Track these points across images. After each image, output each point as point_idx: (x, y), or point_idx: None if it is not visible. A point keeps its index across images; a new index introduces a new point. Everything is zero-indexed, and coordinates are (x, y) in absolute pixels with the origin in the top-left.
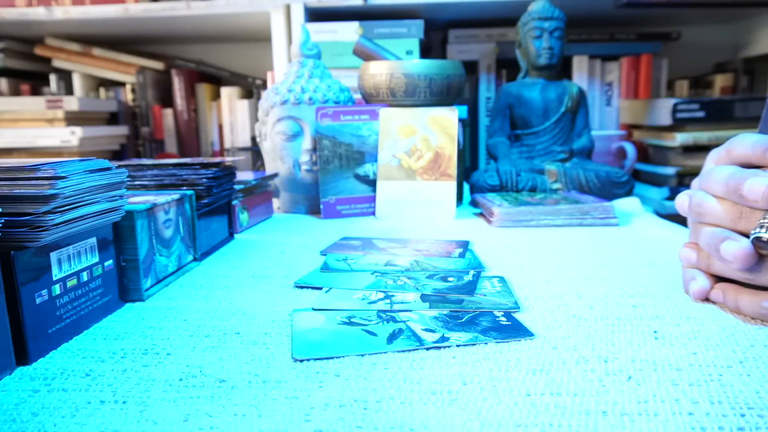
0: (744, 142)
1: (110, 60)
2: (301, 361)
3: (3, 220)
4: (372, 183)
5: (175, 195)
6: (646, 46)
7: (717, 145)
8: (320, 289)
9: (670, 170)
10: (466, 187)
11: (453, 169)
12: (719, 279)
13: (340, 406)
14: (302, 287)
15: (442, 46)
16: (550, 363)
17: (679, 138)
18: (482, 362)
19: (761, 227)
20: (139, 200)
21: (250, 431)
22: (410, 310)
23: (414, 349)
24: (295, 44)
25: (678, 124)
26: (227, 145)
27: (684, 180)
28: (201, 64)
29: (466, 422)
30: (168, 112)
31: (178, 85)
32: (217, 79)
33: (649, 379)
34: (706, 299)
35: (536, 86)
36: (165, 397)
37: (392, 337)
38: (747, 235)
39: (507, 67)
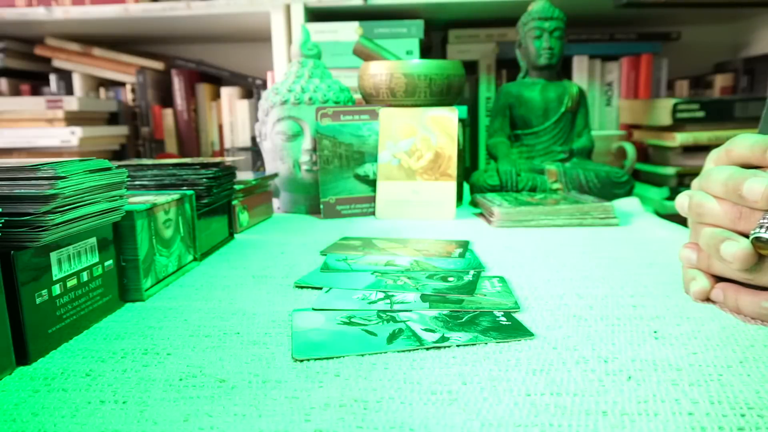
0: (743, 143)
1: (110, 60)
2: (301, 361)
3: (3, 220)
4: (372, 183)
5: (175, 195)
6: (646, 46)
7: (717, 145)
8: (320, 289)
9: (670, 170)
10: (466, 187)
11: (453, 169)
12: (719, 279)
13: (340, 406)
14: (302, 287)
15: (442, 46)
16: (550, 363)
17: (679, 138)
18: (482, 362)
19: (761, 227)
20: (139, 200)
21: (250, 431)
22: (410, 310)
23: (414, 349)
24: (295, 44)
25: (678, 124)
26: (227, 145)
27: (684, 180)
28: (201, 64)
29: (466, 422)
30: (168, 112)
31: (178, 85)
32: (217, 79)
33: (649, 379)
34: (707, 299)
35: (536, 86)
36: (165, 397)
37: (392, 337)
38: (747, 236)
39: (507, 67)
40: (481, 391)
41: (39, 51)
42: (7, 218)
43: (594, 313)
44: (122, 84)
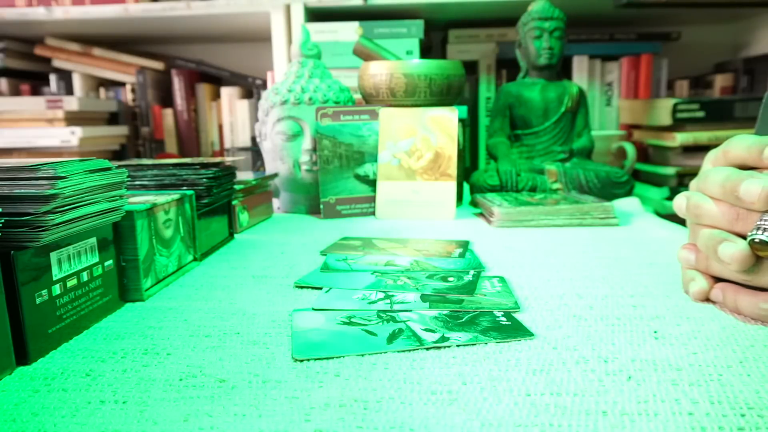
0: (740, 144)
1: (110, 60)
2: (301, 361)
3: (3, 220)
4: (372, 183)
5: (175, 195)
6: (646, 46)
7: (717, 146)
8: (320, 289)
9: (670, 170)
10: (466, 187)
11: (453, 169)
12: (719, 279)
13: (340, 406)
14: (302, 287)
15: (442, 46)
16: (550, 363)
17: (679, 138)
18: (482, 362)
19: (758, 229)
20: (139, 200)
21: (250, 431)
22: (410, 310)
23: (414, 349)
24: (295, 44)
25: (678, 124)
26: (227, 145)
27: (684, 180)
28: (201, 64)
29: (466, 422)
30: (168, 112)
31: (178, 85)
32: (217, 79)
33: (649, 379)
34: (706, 300)
35: (536, 86)
36: (165, 397)
37: (392, 337)
38: (744, 237)
39: (507, 67)
40: (481, 391)
41: (39, 51)
42: (7, 218)
43: (594, 313)
44: (122, 84)
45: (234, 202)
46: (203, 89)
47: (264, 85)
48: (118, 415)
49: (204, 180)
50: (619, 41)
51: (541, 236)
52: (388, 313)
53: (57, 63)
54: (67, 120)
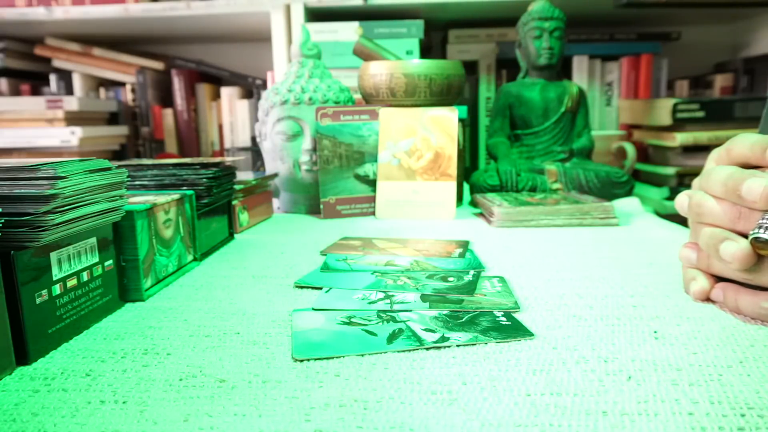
0: (743, 142)
1: (110, 60)
2: (301, 361)
3: (3, 220)
4: (372, 183)
5: (175, 195)
6: (646, 46)
7: (717, 145)
8: (320, 289)
9: (670, 170)
10: (466, 187)
11: (453, 169)
12: (719, 279)
13: (340, 406)
14: (302, 287)
15: (442, 46)
16: (550, 363)
17: (679, 138)
18: (482, 362)
19: (760, 228)
20: (139, 200)
21: (250, 431)
22: (410, 310)
23: (414, 349)
24: (295, 44)
25: (678, 124)
26: (227, 145)
27: (684, 180)
28: (201, 64)
29: (466, 422)
30: (168, 112)
31: (178, 85)
32: (217, 79)
33: (649, 379)
34: (707, 299)
35: (536, 86)
36: (165, 397)
37: (392, 337)
38: (746, 236)
39: (507, 67)
40: (481, 391)
41: (39, 51)
42: (7, 218)
43: (594, 313)
44: (122, 84)
45: (234, 202)
46: (203, 89)
47: (264, 85)
48: (118, 415)
49: (204, 180)
50: (619, 41)
51: (541, 236)
52: (388, 313)
53: (57, 63)
54: (67, 120)
